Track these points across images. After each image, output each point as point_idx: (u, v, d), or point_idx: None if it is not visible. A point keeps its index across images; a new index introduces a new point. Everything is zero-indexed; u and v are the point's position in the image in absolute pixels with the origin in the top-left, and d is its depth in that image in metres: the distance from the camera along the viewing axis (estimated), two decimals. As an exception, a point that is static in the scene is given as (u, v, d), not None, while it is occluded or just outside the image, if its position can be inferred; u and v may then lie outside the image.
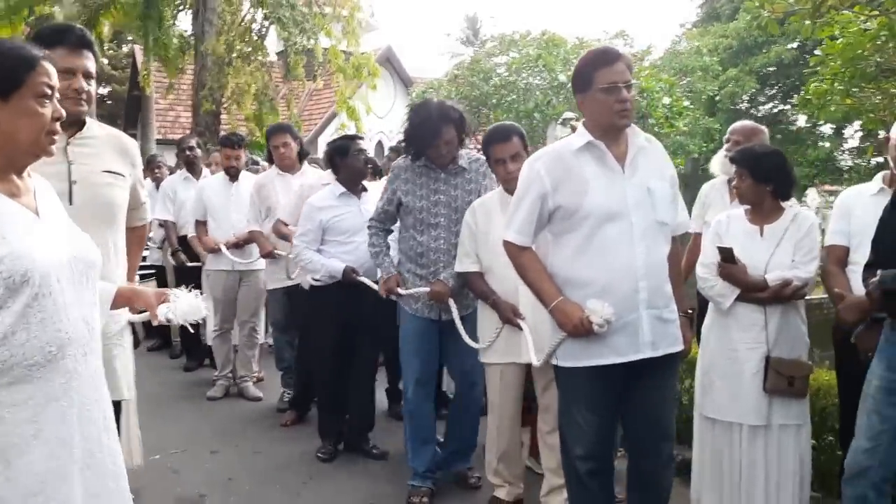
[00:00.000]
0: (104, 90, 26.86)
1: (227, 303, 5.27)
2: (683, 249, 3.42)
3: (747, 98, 20.45)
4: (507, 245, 2.69)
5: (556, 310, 2.54)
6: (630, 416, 2.71)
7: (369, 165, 4.24)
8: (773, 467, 3.00)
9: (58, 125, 1.69)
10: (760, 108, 21.07)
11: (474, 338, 3.42)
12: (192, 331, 2.20)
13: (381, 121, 19.42)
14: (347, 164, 4.07)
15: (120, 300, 1.99)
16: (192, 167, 6.10)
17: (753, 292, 2.96)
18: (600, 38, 18.46)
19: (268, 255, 4.81)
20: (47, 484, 1.57)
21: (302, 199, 4.38)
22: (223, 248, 5.10)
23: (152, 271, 6.63)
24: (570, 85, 11.39)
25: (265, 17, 12.04)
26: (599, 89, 2.50)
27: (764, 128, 3.80)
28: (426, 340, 3.62)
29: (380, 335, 4.29)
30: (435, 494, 3.60)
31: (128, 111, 21.02)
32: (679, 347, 2.64)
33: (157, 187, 6.41)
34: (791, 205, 3.11)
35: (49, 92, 1.65)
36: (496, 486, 3.47)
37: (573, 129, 3.34)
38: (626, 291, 2.51)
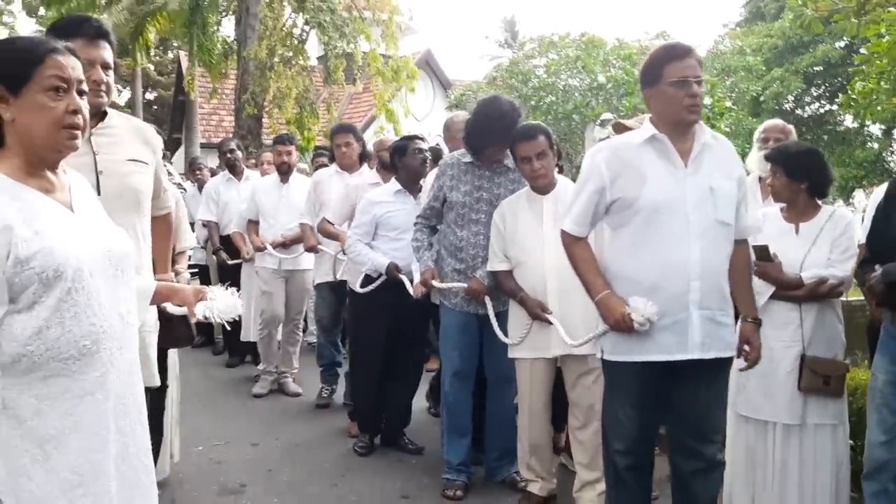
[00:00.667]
0: (150, 95, 27.51)
1: (276, 300, 5.35)
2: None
3: (792, 98, 20.08)
4: (563, 234, 2.69)
5: (601, 303, 2.55)
6: (674, 417, 2.69)
7: (428, 159, 4.24)
8: (807, 467, 2.98)
9: (79, 118, 1.65)
10: (806, 108, 20.68)
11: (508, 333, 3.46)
12: (228, 328, 2.22)
13: (420, 123, 19.51)
14: (405, 163, 4.12)
15: (158, 297, 2.04)
16: (234, 169, 6.23)
17: (789, 290, 2.95)
18: (640, 38, 18.40)
19: (311, 248, 4.90)
20: (86, 476, 1.60)
21: (348, 199, 4.49)
22: (269, 248, 5.22)
23: (196, 270, 6.80)
24: (609, 86, 11.44)
25: (306, 23, 12.23)
26: (669, 83, 2.47)
27: (791, 127, 3.77)
28: (466, 334, 3.67)
29: (424, 335, 4.36)
30: (469, 488, 3.64)
31: (173, 115, 21.52)
32: (731, 353, 2.61)
33: (200, 189, 6.58)
34: (829, 203, 3.10)
35: (62, 85, 1.62)
36: (529, 482, 3.50)
37: (617, 128, 3.36)
38: (677, 289, 2.48)
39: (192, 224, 6.26)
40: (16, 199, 1.57)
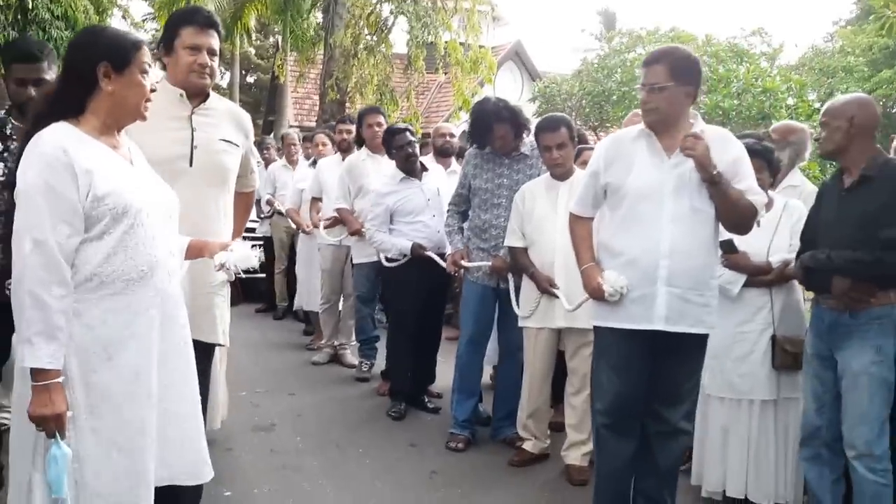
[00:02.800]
0: (251, 78, 28.78)
1: (334, 275, 5.65)
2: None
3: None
4: (570, 214, 3.04)
5: (583, 273, 2.90)
6: (650, 384, 2.93)
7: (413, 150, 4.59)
8: (780, 439, 3.21)
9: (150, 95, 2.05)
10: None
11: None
12: (242, 276, 2.38)
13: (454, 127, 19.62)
14: (396, 156, 4.58)
15: (191, 252, 2.32)
16: (290, 157, 6.88)
17: (759, 276, 3.18)
18: (736, 35, 18.08)
19: (355, 232, 5.08)
20: (140, 374, 1.99)
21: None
22: (321, 228, 5.53)
23: (261, 241, 7.38)
24: None
25: (391, 12, 12.71)
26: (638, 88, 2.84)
27: (802, 126, 3.92)
28: (483, 305, 4.06)
29: (445, 304, 4.75)
30: (471, 443, 4.02)
31: (269, 98, 22.49)
32: (700, 329, 2.81)
33: (266, 167, 7.14)
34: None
35: (148, 69, 2.02)
36: (524, 440, 3.85)
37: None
38: (647, 266, 2.75)
39: (257, 201, 6.87)
40: (92, 149, 1.96)
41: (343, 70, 12.18)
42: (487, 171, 4.02)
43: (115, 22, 28.05)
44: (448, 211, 4.24)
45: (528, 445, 3.84)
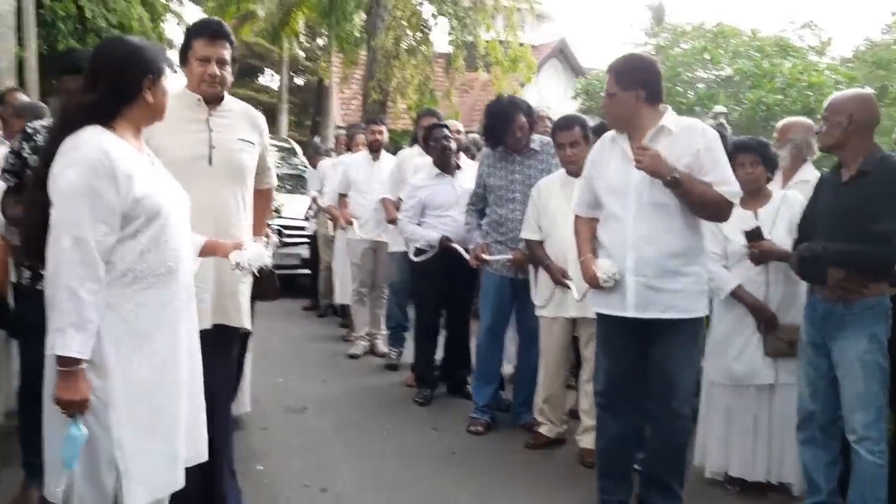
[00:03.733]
0: (300, 80, 29.34)
1: (364, 269, 5.92)
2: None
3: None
4: (574, 215, 3.26)
5: (581, 264, 3.12)
6: (645, 371, 3.06)
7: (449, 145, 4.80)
8: (779, 422, 3.34)
9: None
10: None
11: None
12: (256, 274, 2.52)
13: (553, 112, 19.66)
14: (433, 149, 4.82)
15: (206, 250, 2.45)
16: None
17: (784, 261, 3.25)
18: (785, 29, 17.84)
19: (392, 221, 5.32)
20: (168, 361, 2.14)
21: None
22: (355, 225, 5.80)
23: (307, 239, 7.72)
24: (736, 79, 11.46)
25: (432, 14, 12.95)
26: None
27: (803, 121, 3.99)
28: (501, 295, 4.27)
29: (472, 295, 4.95)
30: (491, 427, 4.23)
31: (317, 99, 22.99)
32: (672, 315, 2.92)
33: (314, 167, 7.45)
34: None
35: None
36: (540, 424, 4.04)
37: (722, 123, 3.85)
38: (618, 257, 2.95)
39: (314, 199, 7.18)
40: (128, 153, 2.09)
41: (384, 71, 12.47)
42: (501, 169, 4.23)
43: (170, 27, 28.69)
44: (466, 210, 4.46)
45: (544, 430, 4.03)
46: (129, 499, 2.06)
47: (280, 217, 8.02)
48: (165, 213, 2.13)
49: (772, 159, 3.43)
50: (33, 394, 2.41)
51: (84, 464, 2.02)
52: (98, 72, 2.14)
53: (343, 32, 13.63)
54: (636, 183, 2.93)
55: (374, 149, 5.97)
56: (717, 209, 2.94)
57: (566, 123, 3.88)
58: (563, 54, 21.42)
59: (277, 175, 9.55)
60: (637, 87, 2.90)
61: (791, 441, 3.25)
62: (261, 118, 3.04)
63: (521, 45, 13.11)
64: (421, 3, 13.06)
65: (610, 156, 3.05)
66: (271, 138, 10.25)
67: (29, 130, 2.98)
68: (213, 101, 2.81)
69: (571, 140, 3.82)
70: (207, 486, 2.81)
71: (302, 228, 7.88)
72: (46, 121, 3.03)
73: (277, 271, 6.66)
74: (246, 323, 2.93)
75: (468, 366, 4.95)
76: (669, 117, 2.97)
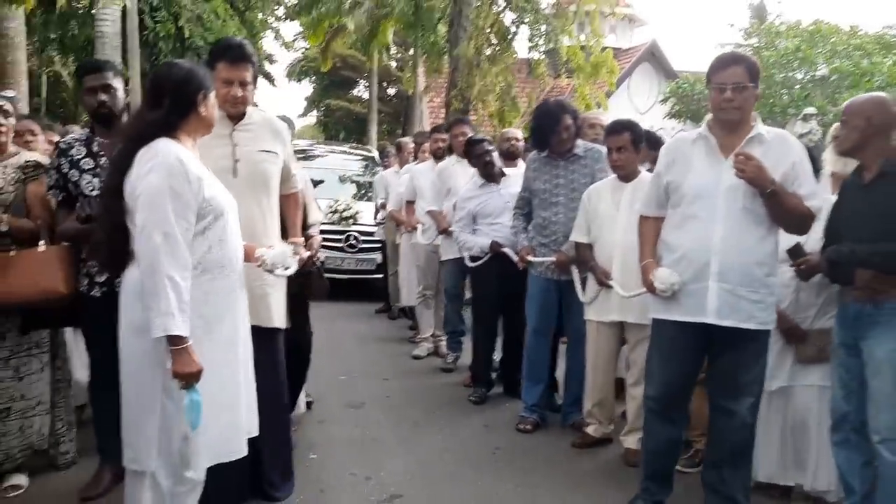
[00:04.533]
0: (392, 90, 30.05)
1: (429, 272, 6.11)
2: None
3: None
4: (639, 215, 3.27)
5: (642, 269, 3.14)
6: (709, 377, 3.16)
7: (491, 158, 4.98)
8: (788, 426, 3.35)
9: None
10: None
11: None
12: (276, 274, 2.76)
13: (643, 116, 19.50)
14: (476, 164, 5.02)
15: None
16: (402, 163, 7.44)
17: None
18: (891, 25, 17.03)
19: (443, 231, 5.57)
20: (232, 342, 2.48)
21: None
22: (419, 230, 6.03)
23: (378, 245, 7.99)
24: (833, 79, 11.24)
25: (513, 22, 13.09)
26: (712, 89, 2.94)
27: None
28: (546, 297, 4.37)
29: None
30: (539, 426, 4.34)
31: (406, 108, 23.52)
32: (751, 325, 2.93)
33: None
34: None
35: None
36: (588, 424, 4.12)
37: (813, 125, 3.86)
38: (698, 262, 2.93)
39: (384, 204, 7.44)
40: (194, 161, 2.40)
41: (466, 80, 12.68)
42: (546, 174, 4.34)
43: (268, 43, 29.93)
44: (514, 213, 4.59)
45: (590, 429, 4.10)
46: (194, 461, 2.38)
47: (357, 224, 8.40)
48: (227, 213, 2.44)
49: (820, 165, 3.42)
50: (104, 384, 2.78)
51: (159, 433, 2.34)
52: (161, 90, 2.44)
53: (427, 43, 13.95)
54: (727, 187, 2.92)
55: (438, 156, 6.16)
56: (802, 222, 2.96)
57: (616, 128, 3.94)
58: (654, 57, 21.14)
59: (359, 183, 9.97)
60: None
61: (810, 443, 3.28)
62: (283, 127, 3.21)
63: (604, 49, 13.05)
64: (502, 13, 13.21)
65: (693, 156, 3.03)
66: (358, 147, 10.84)
67: (63, 146, 3.17)
68: (233, 118, 3.01)
69: (619, 145, 3.87)
70: (254, 473, 3.06)
71: (371, 234, 8.21)
72: (77, 133, 3.25)
73: (352, 276, 7.00)
74: (276, 322, 3.10)
75: (520, 363, 5.05)
76: (761, 124, 2.99)
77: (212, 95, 2.51)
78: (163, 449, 2.35)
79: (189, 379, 2.27)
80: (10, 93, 4.06)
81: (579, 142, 4.34)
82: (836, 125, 4.07)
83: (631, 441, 3.90)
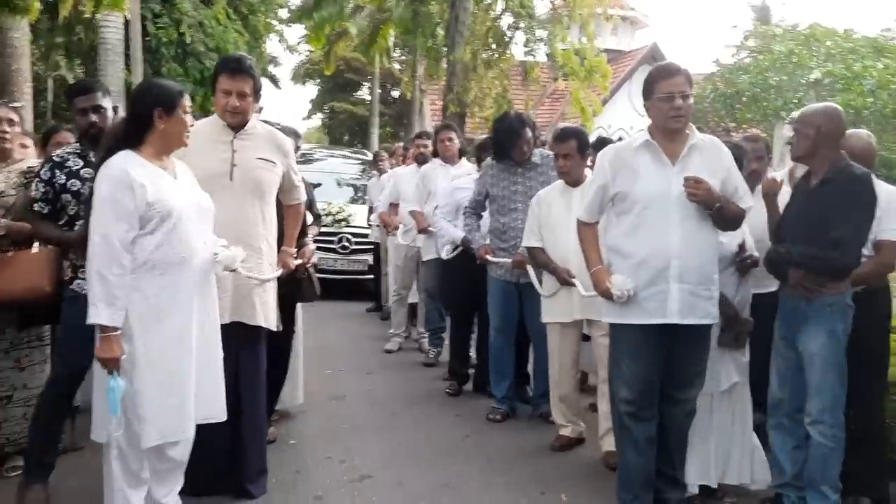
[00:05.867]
0: (395, 93, 30.34)
1: (405, 272, 6.46)
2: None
3: None
4: (578, 221, 3.34)
5: (593, 275, 3.20)
6: (664, 370, 3.17)
7: None
8: (737, 422, 3.47)
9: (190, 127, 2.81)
10: None
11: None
12: (229, 270, 2.91)
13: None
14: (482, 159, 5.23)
15: None
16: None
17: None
18: (889, 28, 17.19)
19: (423, 230, 5.82)
20: (182, 335, 2.68)
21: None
22: (399, 231, 6.28)
23: (371, 246, 8.23)
24: (826, 82, 11.33)
25: (509, 27, 13.35)
26: (658, 98, 3.03)
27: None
28: (506, 298, 4.58)
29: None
30: (509, 416, 4.58)
31: (408, 111, 23.77)
32: (708, 321, 3.10)
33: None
34: None
35: (188, 110, 2.77)
36: (561, 426, 4.23)
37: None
38: (658, 266, 3.02)
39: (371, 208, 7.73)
40: (147, 170, 2.67)
41: (462, 84, 12.93)
42: (504, 180, 4.55)
43: (272, 45, 30.03)
44: (465, 213, 4.80)
45: (566, 431, 4.19)
46: (144, 437, 2.65)
47: (349, 226, 8.66)
48: (177, 215, 2.64)
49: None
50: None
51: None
52: (128, 108, 2.77)
53: (425, 47, 14.21)
54: (679, 194, 3.02)
55: (421, 161, 6.41)
56: (737, 222, 3.18)
57: (562, 135, 4.11)
58: (654, 60, 21.22)
59: (355, 187, 10.17)
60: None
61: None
62: (285, 140, 3.40)
63: (598, 54, 13.24)
64: (499, 18, 13.47)
65: (638, 164, 3.09)
66: (357, 151, 11.11)
67: (57, 159, 3.25)
68: (238, 125, 3.23)
69: (565, 152, 4.02)
70: (232, 457, 3.29)
71: (365, 237, 8.46)
72: (70, 147, 3.40)
73: (344, 276, 7.19)
74: (261, 321, 3.26)
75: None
76: (696, 131, 3.13)
77: (177, 113, 2.71)
78: (121, 424, 2.61)
79: (107, 364, 2.56)
80: (18, 104, 4.33)
81: (536, 150, 4.55)
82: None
83: (609, 442, 3.83)
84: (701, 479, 3.42)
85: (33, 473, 3.14)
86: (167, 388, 2.67)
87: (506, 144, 4.50)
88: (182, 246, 2.68)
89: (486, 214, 4.93)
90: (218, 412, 2.87)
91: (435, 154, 6.11)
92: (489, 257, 4.57)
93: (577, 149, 4.06)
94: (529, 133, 4.47)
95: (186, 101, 2.79)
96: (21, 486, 3.13)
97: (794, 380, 3.19)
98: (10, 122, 3.54)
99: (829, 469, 3.06)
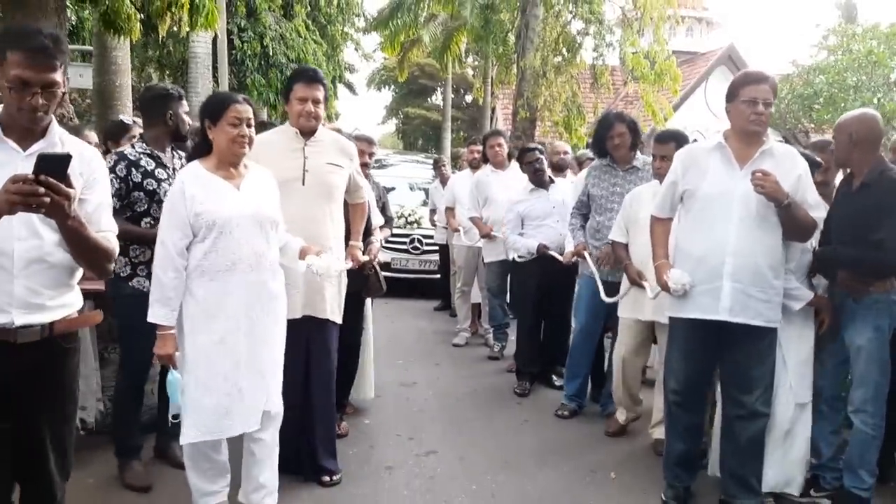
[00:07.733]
0: (469, 98, 30.76)
1: (468, 270, 6.85)
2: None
3: None
4: (651, 215, 3.51)
5: (656, 268, 3.40)
6: (722, 371, 3.38)
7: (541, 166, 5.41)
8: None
9: (245, 141, 2.80)
10: None
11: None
12: (319, 278, 3.15)
13: (718, 120, 19.40)
14: (527, 169, 5.46)
15: (300, 254, 3.07)
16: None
17: None
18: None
19: (485, 235, 6.12)
20: (224, 339, 2.79)
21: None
22: (461, 232, 6.67)
23: (437, 248, 8.60)
24: None
25: (578, 32, 13.54)
26: (742, 101, 3.14)
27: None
28: (595, 298, 4.55)
29: (569, 297, 5.50)
30: (576, 414, 4.79)
31: (479, 116, 24.15)
32: (760, 322, 3.16)
33: (443, 183, 8.19)
34: None
35: (236, 121, 2.78)
36: (618, 413, 4.47)
37: None
38: (714, 262, 3.15)
39: (432, 211, 8.13)
40: (201, 180, 2.79)
41: (532, 90, 13.18)
42: (604, 181, 4.72)
43: (348, 53, 30.73)
44: (571, 213, 4.98)
45: (620, 416, 4.44)
46: (183, 433, 2.84)
47: (420, 228, 9.08)
48: (222, 225, 2.77)
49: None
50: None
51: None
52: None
53: (497, 54, 14.53)
54: (742, 194, 3.13)
55: (474, 166, 6.77)
56: (807, 231, 3.24)
57: (662, 137, 4.18)
58: (731, 60, 21.08)
59: (427, 190, 10.50)
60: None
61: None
62: (350, 146, 3.63)
63: (668, 57, 13.27)
64: (568, 24, 13.67)
65: (709, 164, 3.23)
66: (427, 156, 11.55)
67: (132, 157, 3.38)
68: (308, 133, 3.45)
69: (663, 153, 4.04)
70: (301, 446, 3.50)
71: (430, 237, 8.82)
72: (138, 147, 3.49)
73: (416, 275, 7.53)
74: (331, 315, 3.49)
75: (562, 362, 5.28)
76: (772, 139, 3.28)
77: (222, 123, 2.79)
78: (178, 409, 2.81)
79: (163, 360, 2.80)
80: (126, 118, 4.86)
81: (639, 155, 4.71)
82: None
83: (658, 431, 4.10)
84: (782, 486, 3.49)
85: (125, 455, 3.48)
86: (203, 388, 2.80)
87: (601, 138, 4.67)
88: (229, 254, 2.80)
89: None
90: (276, 404, 3.00)
91: (485, 160, 6.40)
92: (585, 254, 4.68)
93: (675, 151, 4.08)
94: (623, 128, 4.58)
95: (236, 112, 2.81)
96: (120, 467, 3.47)
97: (835, 370, 3.41)
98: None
99: (868, 455, 3.25)
